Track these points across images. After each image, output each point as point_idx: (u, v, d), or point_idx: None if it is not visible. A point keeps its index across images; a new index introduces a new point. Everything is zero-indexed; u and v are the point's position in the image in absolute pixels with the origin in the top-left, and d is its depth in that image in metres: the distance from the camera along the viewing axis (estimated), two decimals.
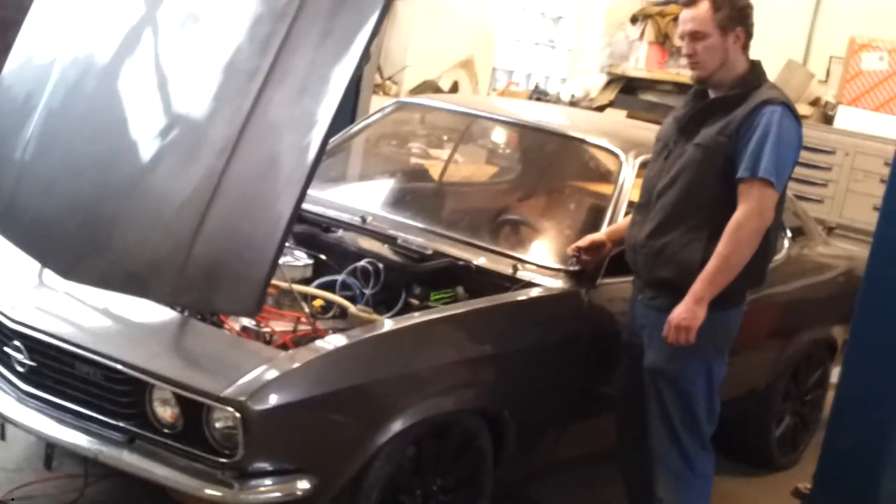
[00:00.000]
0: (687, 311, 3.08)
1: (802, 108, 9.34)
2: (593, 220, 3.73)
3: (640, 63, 10.51)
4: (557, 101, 10.06)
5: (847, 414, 3.62)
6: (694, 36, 3.18)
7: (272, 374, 2.68)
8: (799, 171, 9.85)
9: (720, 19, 3.16)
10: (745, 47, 3.24)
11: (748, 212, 3.06)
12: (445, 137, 5.27)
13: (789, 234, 4.57)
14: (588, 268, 3.49)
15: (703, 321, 3.10)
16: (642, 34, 10.40)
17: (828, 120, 9.21)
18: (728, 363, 3.35)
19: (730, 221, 3.07)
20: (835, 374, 4.30)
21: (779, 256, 4.41)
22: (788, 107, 3.15)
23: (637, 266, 3.33)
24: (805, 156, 8.76)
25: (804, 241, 4.70)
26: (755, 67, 3.26)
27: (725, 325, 3.27)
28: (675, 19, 10.14)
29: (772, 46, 9.68)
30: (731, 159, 3.11)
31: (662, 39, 10.20)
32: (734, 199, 3.10)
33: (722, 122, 3.15)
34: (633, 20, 10.60)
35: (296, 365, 2.73)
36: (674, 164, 3.23)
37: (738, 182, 3.09)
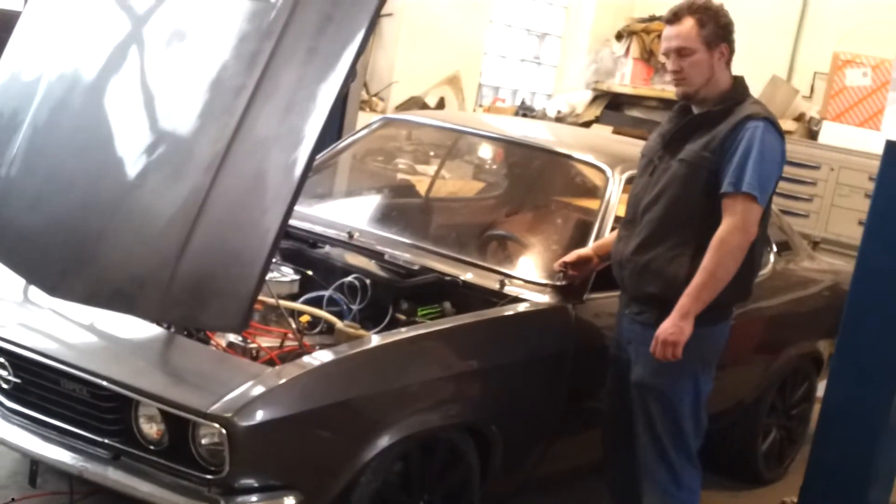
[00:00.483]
0: (673, 327, 3.09)
1: (787, 124, 9.39)
2: (580, 236, 3.74)
3: (626, 79, 10.56)
4: (543, 117, 10.10)
5: (833, 427, 3.64)
6: (680, 52, 3.19)
7: (258, 390, 2.67)
8: (784, 186, 9.91)
9: (706, 35, 3.17)
10: (729, 63, 3.26)
11: (732, 226, 3.07)
12: (432, 153, 5.29)
13: (775, 248, 4.59)
14: (575, 283, 3.50)
15: (690, 336, 3.11)
16: (627, 51, 10.46)
17: (812, 135, 9.26)
18: (716, 377, 3.35)
19: (714, 236, 3.08)
20: (821, 388, 4.31)
21: (764, 271, 4.42)
22: (771, 122, 3.16)
23: (623, 281, 3.33)
24: (790, 171, 8.85)
25: (790, 255, 4.71)
26: (738, 83, 3.27)
27: (712, 340, 3.27)
28: (660, 36, 10.23)
29: (756, 62, 9.76)
30: (715, 174, 3.13)
31: (647, 56, 10.26)
32: (719, 214, 3.11)
33: (706, 138, 3.17)
34: (618, 37, 10.66)
35: (282, 381, 2.73)
36: (659, 179, 3.24)
37: (721, 197, 3.10)
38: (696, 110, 3.26)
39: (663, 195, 3.21)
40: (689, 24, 3.18)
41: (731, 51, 3.24)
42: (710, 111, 3.21)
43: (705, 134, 3.18)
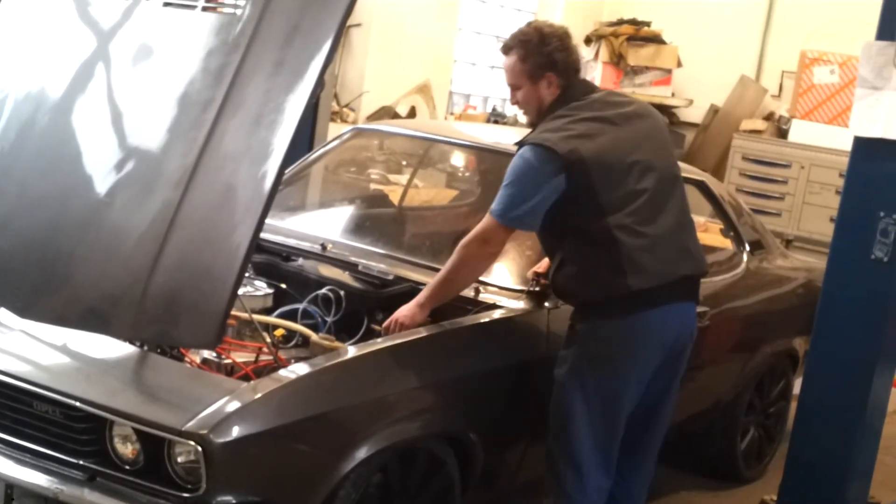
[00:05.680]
0: (407, 311, 3.21)
1: (756, 123, 9.46)
2: None
3: (596, 83, 10.57)
4: (515, 123, 10.11)
5: (810, 424, 3.65)
6: (511, 86, 3.26)
7: (234, 405, 2.65)
8: (756, 185, 10.02)
9: (529, 69, 3.19)
10: (563, 84, 3.22)
11: (473, 235, 3.20)
12: (404, 163, 5.27)
13: (748, 248, 4.61)
14: (548, 290, 3.50)
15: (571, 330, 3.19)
16: (597, 55, 10.49)
17: (782, 134, 9.33)
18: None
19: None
20: (797, 386, 4.33)
21: (738, 270, 4.46)
22: (537, 144, 3.12)
23: None
24: (761, 170, 8.98)
25: (763, 254, 4.74)
26: (560, 96, 3.22)
27: (596, 338, 3.20)
28: (629, 39, 10.29)
29: (724, 62, 9.85)
30: None
31: (616, 59, 10.29)
32: (571, 226, 3.16)
33: None
34: (587, 41, 10.69)
35: (258, 396, 2.71)
36: None
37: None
38: None
39: None
40: (512, 59, 3.22)
41: (565, 74, 3.21)
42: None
43: None
